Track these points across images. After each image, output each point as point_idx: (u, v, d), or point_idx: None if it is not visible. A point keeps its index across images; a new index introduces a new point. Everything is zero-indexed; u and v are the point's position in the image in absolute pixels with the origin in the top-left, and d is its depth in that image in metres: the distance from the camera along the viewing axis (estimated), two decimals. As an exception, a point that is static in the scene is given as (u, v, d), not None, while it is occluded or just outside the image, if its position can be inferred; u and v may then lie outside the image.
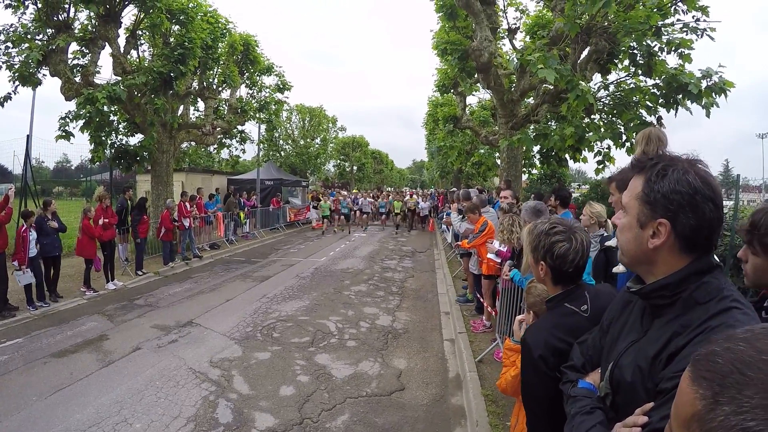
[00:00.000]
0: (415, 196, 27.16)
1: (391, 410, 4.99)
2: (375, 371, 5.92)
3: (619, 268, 3.56)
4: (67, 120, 11.74)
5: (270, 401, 5.05)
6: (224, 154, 22.99)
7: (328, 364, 6.07)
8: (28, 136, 14.31)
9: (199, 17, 14.09)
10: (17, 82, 11.35)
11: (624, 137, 8.65)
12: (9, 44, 11.39)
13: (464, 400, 5.19)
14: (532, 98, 12.84)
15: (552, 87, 9.74)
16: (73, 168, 43.08)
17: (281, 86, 20.58)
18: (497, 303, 6.09)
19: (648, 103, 8.37)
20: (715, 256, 1.34)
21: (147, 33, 14.35)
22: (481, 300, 7.38)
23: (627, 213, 1.40)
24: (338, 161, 52.44)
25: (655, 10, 7.94)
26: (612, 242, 3.54)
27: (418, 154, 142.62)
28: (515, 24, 12.99)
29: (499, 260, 6.08)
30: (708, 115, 7.64)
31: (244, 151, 21.63)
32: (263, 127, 21.79)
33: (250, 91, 19.91)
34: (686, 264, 1.31)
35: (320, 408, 4.96)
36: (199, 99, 17.50)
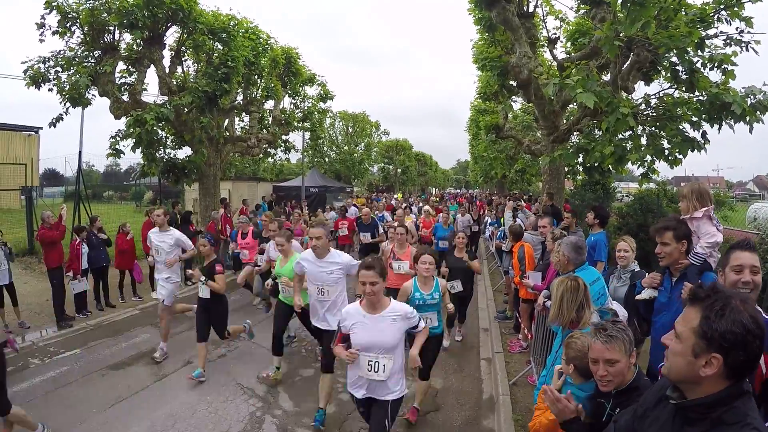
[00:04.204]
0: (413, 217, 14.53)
1: (426, 431, 5.16)
2: (413, 390, 6.02)
3: (642, 295, 3.62)
4: (117, 138, 12.33)
5: (312, 418, 5.24)
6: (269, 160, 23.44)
7: (368, 382, 6.26)
8: (79, 152, 15.15)
9: (240, 34, 14.42)
10: (68, 104, 11.90)
11: (667, 152, 8.48)
12: (59, 68, 11.96)
13: (495, 423, 5.30)
14: (575, 103, 12.63)
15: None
16: (122, 171, 44.89)
17: (324, 95, 20.91)
18: (533, 327, 6.16)
19: (692, 117, 8.18)
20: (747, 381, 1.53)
21: (191, 51, 14.82)
22: (519, 320, 7.44)
23: (681, 341, 1.55)
24: (383, 164, 52.80)
25: (698, 20, 7.77)
26: (644, 294, 3.57)
27: (462, 153, 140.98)
28: (555, 34, 12.84)
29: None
30: (751, 131, 7.46)
31: (288, 160, 21.98)
32: (307, 134, 22.08)
33: (294, 101, 20.19)
34: (724, 388, 1.48)
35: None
36: (243, 112, 17.98)
